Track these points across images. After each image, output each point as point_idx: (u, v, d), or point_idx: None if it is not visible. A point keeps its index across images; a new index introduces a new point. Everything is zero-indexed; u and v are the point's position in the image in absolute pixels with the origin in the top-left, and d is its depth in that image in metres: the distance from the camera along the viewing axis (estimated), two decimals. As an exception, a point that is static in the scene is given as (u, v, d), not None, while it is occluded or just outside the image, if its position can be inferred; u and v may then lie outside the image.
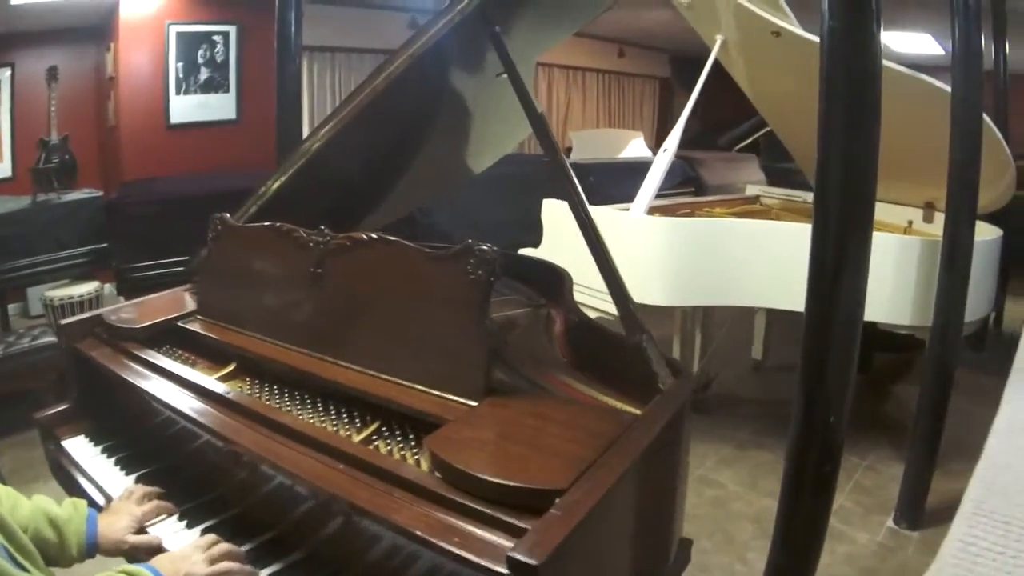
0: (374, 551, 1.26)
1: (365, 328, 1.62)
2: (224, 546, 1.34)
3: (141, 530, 1.47)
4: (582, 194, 1.69)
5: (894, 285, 3.23)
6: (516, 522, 1.07)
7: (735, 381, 4.92)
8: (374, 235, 1.64)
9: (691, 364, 4.32)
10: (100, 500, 1.63)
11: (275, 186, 2.04)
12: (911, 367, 4.97)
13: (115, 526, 1.45)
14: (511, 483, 1.12)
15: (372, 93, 1.78)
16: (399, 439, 1.45)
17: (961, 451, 3.47)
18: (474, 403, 1.41)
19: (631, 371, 1.60)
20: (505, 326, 1.75)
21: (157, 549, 1.42)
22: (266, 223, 1.88)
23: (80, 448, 1.87)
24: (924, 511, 3.18)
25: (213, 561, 1.29)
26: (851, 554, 3.01)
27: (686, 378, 1.59)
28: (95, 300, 4.90)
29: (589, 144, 8.14)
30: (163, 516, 1.51)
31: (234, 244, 1.97)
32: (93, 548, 1.44)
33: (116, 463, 1.77)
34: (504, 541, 1.05)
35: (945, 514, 3.13)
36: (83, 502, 1.51)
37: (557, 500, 1.09)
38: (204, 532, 1.46)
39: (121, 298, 5.03)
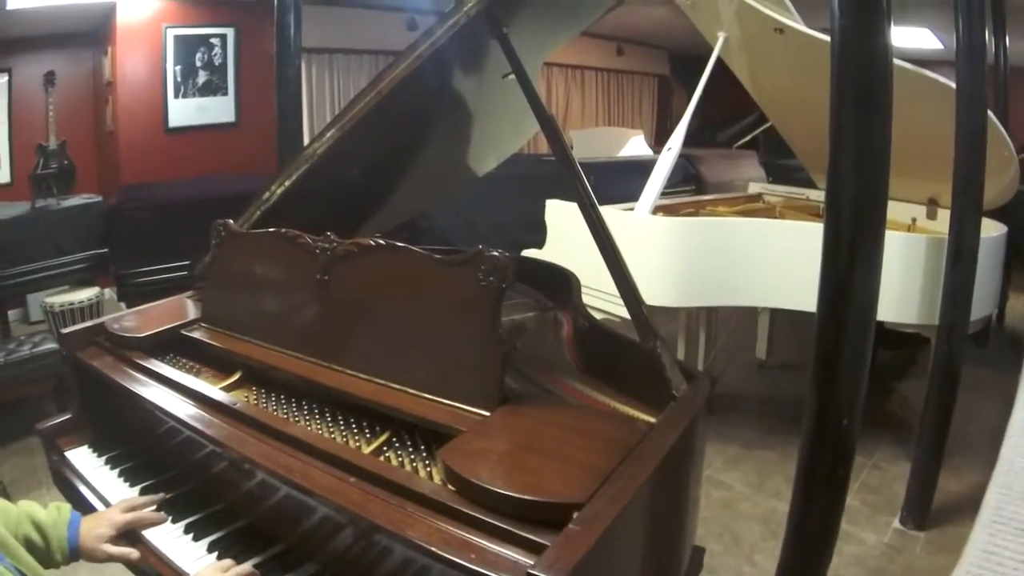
0: (386, 565, 1.23)
1: (374, 336, 1.59)
2: (244, 568, 1.32)
3: (135, 537, 1.47)
4: (593, 196, 1.67)
5: (900, 283, 3.21)
6: (534, 537, 1.05)
7: (740, 380, 4.90)
8: (382, 241, 1.61)
9: (696, 364, 4.30)
10: (103, 512, 1.61)
11: (279, 191, 2.02)
12: (915, 364, 4.96)
13: (93, 532, 1.45)
14: (528, 497, 1.10)
15: (377, 96, 1.76)
16: (410, 450, 1.43)
17: (966, 448, 3.48)
18: (487, 412, 1.38)
19: (642, 376, 1.58)
20: (513, 330, 1.73)
21: (135, 562, 1.43)
22: (271, 229, 1.85)
23: (83, 459, 1.85)
24: (931, 511, 3.16)
25: None
26: (858, 555, 2.99)
27: (700, 384, 1.57)
28: (95, 306, 4.87)
29: (589, 143, 8.10)
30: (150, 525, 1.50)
31: (238, 250, 1.94)
32: (76, 552, 1.44)
33: (120, 475, 1.75)
34: (523, 557, 1.03)
35: (951, 514, 3.14)
36: (67, 506, 1.50)
37: (575, 514, 1.07)
38: (211, 545, 1.45)
39: (122, 304, 5.00)
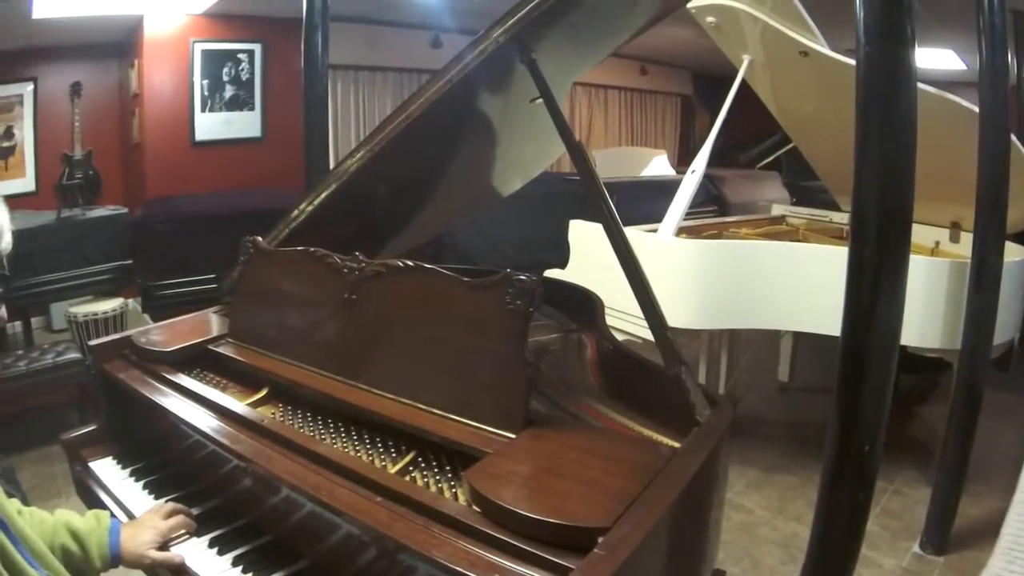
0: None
1: (401, 356, 1.60)
2: None
3: (165, 545, 1.48)
4: (618, 219, 1.67)
5: (923, 308, 3.19)
6: (560, 560, 1.06)
7: (761, 403, 4.87)
8: (410, 263, 1.63)
9: (717, 386, 4.29)
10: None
11: (309, 209, 2.04)
12: (936, 388, 4.92)
13: (137, 539, 1.47)
14: (553, 520, 1.10)
15: (407, 119, 1.78)
16: (435, 470, 1.43)
17: (986, 473, 3.45)
18: (512, 435, 1.39)
19: (666, 400, 1.58)
20: (537, 352, 1.73)
21: (179, 567, 1.44)
22: (299, 248, 1.87)
23: (107, 470, 1.87)
24: (950, 536, 3.14)
25: None
26: (877, 580, 2.97)
27: (724, 409, 1.57)
28: (119, 317, 4.89)
29: (613, 162, 8.08)
30: (186, 534, 1.52)
31: (266, 268, 1.96)
32: (116, 560, 1.46)
33: (144, 487, 1.76)
34: (549, 581, 1.04)
35: (971, 540, 3.11)
36: (106, 514, 1.52)
37: (600, 539, 1.07)
38: (236, 560, 1.46)
39: (146, 316, 5.04)
